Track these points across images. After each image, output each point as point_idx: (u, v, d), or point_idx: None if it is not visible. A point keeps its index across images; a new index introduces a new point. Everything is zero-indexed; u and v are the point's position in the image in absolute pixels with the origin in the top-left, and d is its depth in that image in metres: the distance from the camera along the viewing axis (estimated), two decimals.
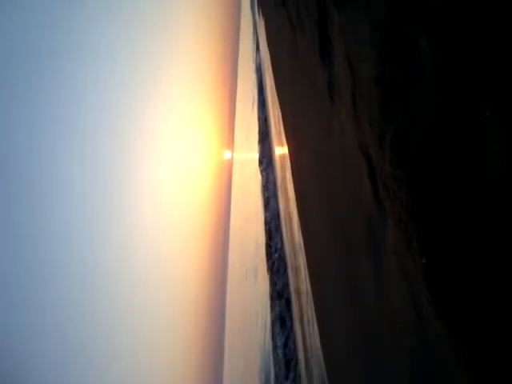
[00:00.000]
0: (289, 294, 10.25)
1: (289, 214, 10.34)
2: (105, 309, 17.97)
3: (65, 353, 15.81)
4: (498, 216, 2.24)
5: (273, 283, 12.22)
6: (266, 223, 14.09)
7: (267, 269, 13.01)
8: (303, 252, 8.08)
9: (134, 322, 20.08)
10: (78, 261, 16.61)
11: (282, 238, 11.48)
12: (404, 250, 3.08)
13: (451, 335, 2.51)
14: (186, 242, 25.46)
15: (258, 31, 17.80)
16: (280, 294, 11.09)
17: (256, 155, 17.50)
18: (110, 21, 18.82)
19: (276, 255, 12.18)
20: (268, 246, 13.33)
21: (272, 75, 12.18)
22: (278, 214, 12.29)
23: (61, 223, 15.90)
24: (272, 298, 12.03)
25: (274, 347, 11.08)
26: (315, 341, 6.99)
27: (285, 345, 10.12)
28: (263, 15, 15.04)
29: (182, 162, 25.93)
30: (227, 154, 29.58)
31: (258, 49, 18.50)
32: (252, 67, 20.03)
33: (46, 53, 15.28)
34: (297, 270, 9.19)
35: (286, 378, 9.55)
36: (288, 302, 10.30)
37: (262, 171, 15.83)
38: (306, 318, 8.05)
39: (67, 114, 16.05)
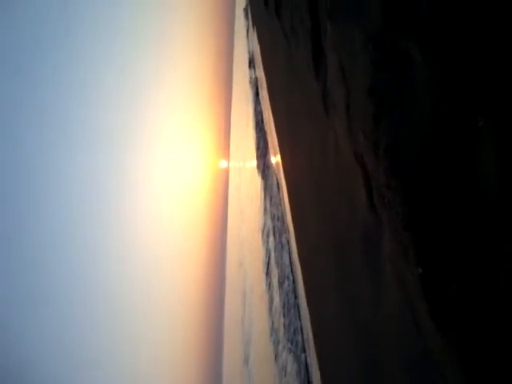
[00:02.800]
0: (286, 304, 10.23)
1: (286, 224, 10.33)
2: (104, 310, 17.98)
3: (64, 356, 15.77)
4: (493, 225, 2.23)
5: (270, 300, 12.24)
6: (264, 234, 14.07)
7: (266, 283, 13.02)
8: (299, 263, 8.05)
9: (134, 323, 20.10)
10: (77, 263, 16.65)
11: (280, 249, 11.45)
12: (400, 260, 3.06)
13: (449, 347, 2.49)
14: (185, 250, 25.54)
15: (252, 43, 17.89)
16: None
17: (252, 165, 17.51)
18: (106, 33, 18.94)
19: (274, 267, 12.14)
20: (266, 258, 13.30)
21: (266, 86, 12.22)
22: (275, 226, 12.27)
23: (60, 226, 15.93)
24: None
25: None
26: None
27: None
28: (256, 26, 15.12)
29: (179, 172, 26.03)
30: (223, 163, 29.66)
31: (252, 60, 18.58)
32: (247, 78, 20.09)
33: (44, 60, 15.37)
34: (295, 283, 9.17)
35: None
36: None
37: (260, 179, 15.84)
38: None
39: (64, 126, 16.13)
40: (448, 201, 2.51)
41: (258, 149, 16.88)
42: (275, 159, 12.26)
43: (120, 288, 19.15)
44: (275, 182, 12.61)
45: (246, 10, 21.44)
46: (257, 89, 17.21)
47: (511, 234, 2.13)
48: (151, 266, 21.77)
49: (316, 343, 6.67)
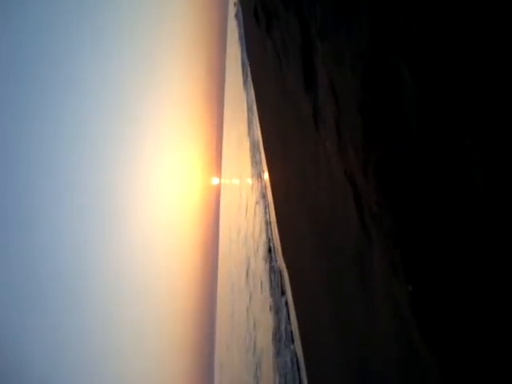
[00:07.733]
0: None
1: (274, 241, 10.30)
2: (96, 323, 17.93)
3: (60, 356, 15.71)
4: (483, 242, 2.23)
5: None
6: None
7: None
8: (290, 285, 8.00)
9: (126, 339, 20.06)
10: (74, 273, 16.64)
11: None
12: (391, 278, 3.05)
13: (441, 366, 2.47)
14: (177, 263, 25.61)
15: (245, 62, 18.01)
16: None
17: (245, 182, 17.51)
18: (98, 58, 19.05)
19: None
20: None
21: (256, 102, 12.27)
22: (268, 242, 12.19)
23: (55, 236, 15.93)
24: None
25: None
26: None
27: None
28: (246, 41, 15.26)
29: (172, 186, 26.14)
30: (215, 181, 29.71)
31: (246, 79, 18.68)
32: (239, 96, 20.19)
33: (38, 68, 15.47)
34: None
35: None
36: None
37: (255, 202, 15.80)
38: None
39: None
40: (438, 218, 2.50)
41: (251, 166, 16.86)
42: (264, 177, 12.23)
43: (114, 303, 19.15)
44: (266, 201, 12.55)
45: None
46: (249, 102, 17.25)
47: (502, 251, 2.12)
48: (144, 270, 21.85)
49: (306, 362, 6.62)
